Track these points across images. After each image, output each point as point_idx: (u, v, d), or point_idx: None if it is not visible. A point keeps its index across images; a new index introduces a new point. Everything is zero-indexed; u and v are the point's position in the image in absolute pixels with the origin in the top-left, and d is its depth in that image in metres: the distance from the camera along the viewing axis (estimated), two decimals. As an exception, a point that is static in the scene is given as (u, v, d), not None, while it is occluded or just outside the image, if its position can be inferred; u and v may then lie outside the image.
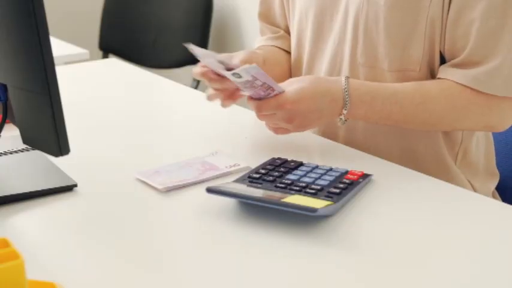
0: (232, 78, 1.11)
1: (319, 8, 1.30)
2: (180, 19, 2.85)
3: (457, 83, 1.17)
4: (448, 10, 1.17)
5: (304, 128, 1.20)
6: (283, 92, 1.15)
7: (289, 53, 1.42)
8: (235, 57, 1.24)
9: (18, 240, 0.81)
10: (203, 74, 1.18)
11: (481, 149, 1.33)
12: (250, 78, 1.10)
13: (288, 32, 1.43)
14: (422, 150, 1.27)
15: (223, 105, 1.24)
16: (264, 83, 1.11)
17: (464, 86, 1.17)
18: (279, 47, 1.43)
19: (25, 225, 0.99)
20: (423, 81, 1.21)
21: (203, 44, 2.81)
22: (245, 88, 1.14)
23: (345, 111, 1.17)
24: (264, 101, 1.15)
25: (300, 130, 1.20)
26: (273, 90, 1.13)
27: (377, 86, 1.20)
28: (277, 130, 1.20)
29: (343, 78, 1.18)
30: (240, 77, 1.10)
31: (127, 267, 0.87)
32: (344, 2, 1.26)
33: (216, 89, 1.21)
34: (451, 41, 1.19)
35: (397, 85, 1.20)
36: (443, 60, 1.22)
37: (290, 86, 1.17)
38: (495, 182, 1.36)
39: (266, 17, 1.46)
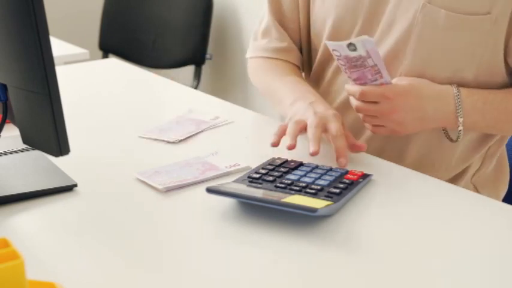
0: (345, 50, 1.07)
1: (341, 10, 1.25)
2: (180, 19, 2.85)
3: None
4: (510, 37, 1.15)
5: (402, 127, 1.15)
6: (391, 83, 1.12)
7: (298, 66, 1.38)
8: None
9: (18, 240, 0.81)
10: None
11: (495, 167, 1.33)
12: (364, 54, 1.06)
13: (293, 36, 1.37)
14: (436, 162, 1.26)
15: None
16: (375, 65, 1.08)
17: None
18: (291, 62, 1.37)
19: (25, 225, 0.99)
20: None
21: (203, 44, 2.81)
22: (353, 67, 1.10)
23: (461, 120, 1.14)
24: (370, 87, 1.11)
25: (397, 128, 1.15)
26: (381, 77, 1.10)
27: (487, 92, 1.17)
28: (374, 128, 1.17)
29: (453, 87, 1.15)
30: (354, 49, 1.06)
31: (127, 267, 0.87)
32: (387, 15, 1.21)
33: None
34: None
35: (505, 91, 1.18)
36: None
37: (400, 80, 1.14)
38: (503, 193, 1.35)
39: (277, 13, 1.37)
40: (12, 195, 1.02)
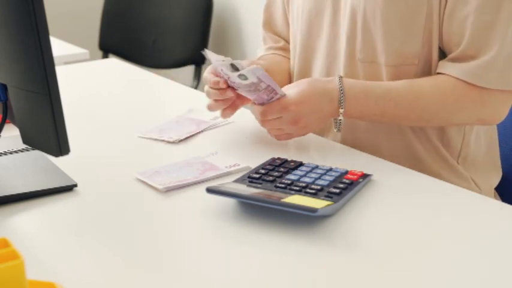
0: (238, 80, 1.14)
1: (311, 3, 1.31)
2: (180, 19, 2.85)
3: (452, 76, 1.18)
4: (445, 5, 1.18)
5: (307, 129, 1.20)
6: (285, 95, 1.16)
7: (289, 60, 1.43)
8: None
9: (18, 240, 0.81)
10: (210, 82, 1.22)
11: (483, 148, 1.33)
12: (255, 80, 1.12)
13: (289, 42, 1.43)
14: (424, 154, 1.27)
15: (223, 116, 1.25)
16: (268, 86, 1.13)
17: (459, 79, 1.18)
18: (281, 55, 1.44)
19: (25, 225, 0.99)
20: (416, 79, 1.22)
21: (203, 44, 2.81)
22: (249, 92, 1.16)
23: (341, 110, 1.19)
24: (268, 105, 1.16)
25: (303, 132, 1.21)
26: (276, 93, 1.15)
27: (370, 84, 1.21)
28: (280, 136, 1.21)
29: (337, 78, 1.20)
30: (246, 78, 1.12)
31: (127, 267, 0.87)
32: None
33: (216, 100, 1.22)
34: (447, 36, 1.20)
35: (390, 83, 1.21)
36: (443, 55, 1.23)
37: (290, 90, 1.18)
38: (498, 178, 1.36)
39: (269, 25, 1.47)
40: (12, 195, 1.02)
